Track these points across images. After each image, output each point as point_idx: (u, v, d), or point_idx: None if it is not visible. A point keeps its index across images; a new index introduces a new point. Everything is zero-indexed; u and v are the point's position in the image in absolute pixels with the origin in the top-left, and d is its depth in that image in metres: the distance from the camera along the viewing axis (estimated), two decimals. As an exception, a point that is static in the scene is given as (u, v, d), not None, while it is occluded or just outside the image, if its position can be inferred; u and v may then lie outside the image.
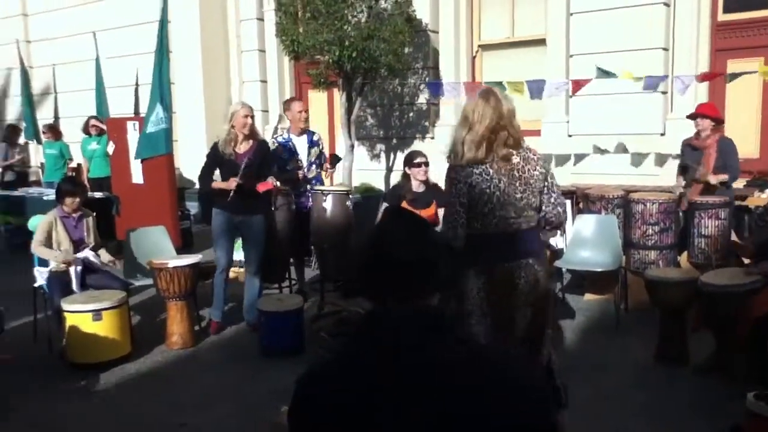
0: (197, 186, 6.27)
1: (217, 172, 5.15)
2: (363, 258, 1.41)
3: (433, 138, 8.82)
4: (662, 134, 7.21)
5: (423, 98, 8.90)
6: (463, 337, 1.35)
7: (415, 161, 5.06)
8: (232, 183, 4.92)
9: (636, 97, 7.00)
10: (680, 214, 5.73)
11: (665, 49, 7.13)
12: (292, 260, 6.12)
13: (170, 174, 7.78)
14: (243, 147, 5.09)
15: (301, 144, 5.98)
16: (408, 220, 1.45)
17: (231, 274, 6.23)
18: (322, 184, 6.12)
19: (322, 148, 6.17)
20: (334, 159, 6.19)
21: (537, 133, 7.85)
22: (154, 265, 4.93)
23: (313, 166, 6.00)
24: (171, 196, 7.69)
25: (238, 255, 5.55)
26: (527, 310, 2.82)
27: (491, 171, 2.77)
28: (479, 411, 1.22)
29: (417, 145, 8.84)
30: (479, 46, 8.71)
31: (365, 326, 1.37)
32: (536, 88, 6.95)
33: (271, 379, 4.25)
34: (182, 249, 6.53)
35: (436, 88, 8.04)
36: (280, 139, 6.07)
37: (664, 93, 7.19)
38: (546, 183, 2.86)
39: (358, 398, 1.26)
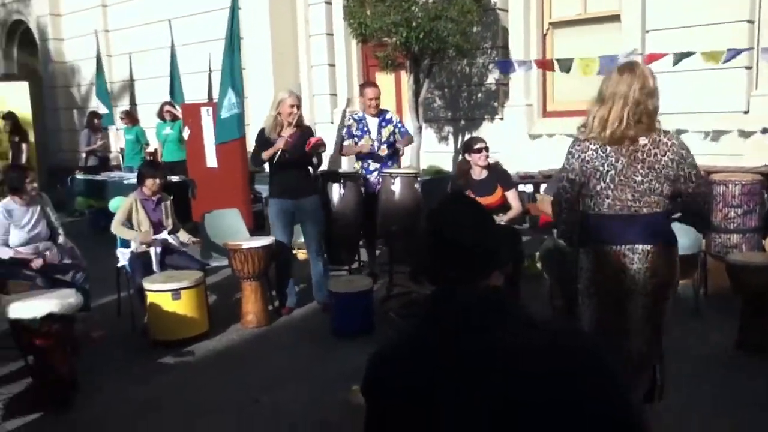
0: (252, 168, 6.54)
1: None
2: (423, 241, 1.43)
3: (502, 119, 8.69)
4: (746, 112, 6.86)
5: (492, 78, 8.78)
6: (532, 322, 1.33)
7: (474, 147, 4.97)
8: (280, 142, 5.01)
9: (717, 74, 6.68)
10: (765, 195, 5.46)
11: (750, 22, 6.76)
12: (361, 242, 6.20)
13: (243, 158, 7.97)
14: (288, 131, 5.13)
15: (373, 123, 6.01)
16: (464, 203, 1.47)
17: (300, 256, 6.38)
18: (397, 163, 6.10)
19: (398, 124, 6.12)
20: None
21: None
22: (229, 246, 5.08)
23: (384, 145, 5.97)
24: (243, 179, 7.89)
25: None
26: (640, 299, 2.67)
27: (608, 149, 2.63)
28: (545, 398, 1.20)
29: (486, 127, 8.74)
30: (550, 23, 8.49)
31: (430, 308, 1.38)
32: (609, 65, 6.71)
33: (342, 358, 4.33)
34: (254, 231, 6.69)
35: (505, 66, 7.91)
36: (355, 116, 6.13)
37: (749, 68, 6.83)
38: (682, 172, 2.65)
39: (423, 379, 1.28)
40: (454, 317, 1.31)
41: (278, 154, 5.02)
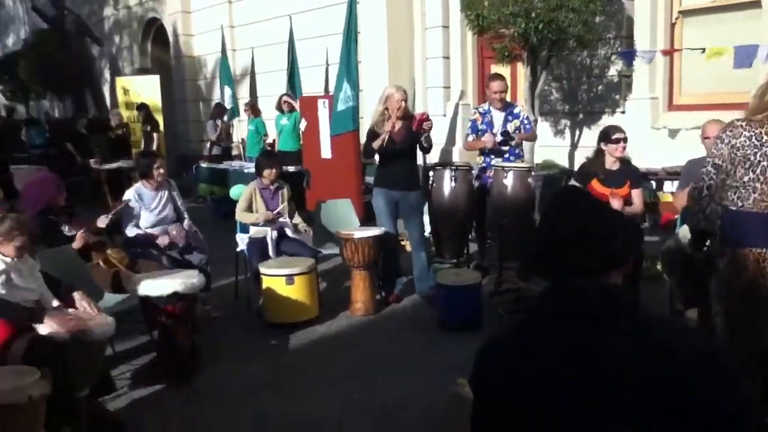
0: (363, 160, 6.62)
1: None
2: (538, 235, 1.39)
3: (624, 113, 8.30)
4: None
5: (614, 70, 8.40)
6: (648, 321, 1.25)
7: (613, 137, 4.76)
8: (388, 125, 5.04)
9: None
10: None
11: None
12: (470, 236, 6.13)
13: (356, 149, 8.11)
14: (396, 127, 5.18)
15: (499, 117, 5.85)
16: (583, 197, 1.42)
17: (410, 248, 6.40)
18: (520, 158, 5.94)
19: (524, 120, 5.91)
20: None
21: (744, 106, 7.07)
22: (341, 235, 5.18)
23: (504, 138, 5.79)
24: (356, 170, 8.03)
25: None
26: None
27: (765, 137, 2.42)
28: (660, 403, 1.13)
29: (606, 120, 8.38)
30: (680, 12, 7.99)
31: (542, 303, 1.35)
32: (744, 55, 6.24)
33: (448, 351, 4.31)
34: (365, 221, 6.79)
35: (629, 57, 7.54)
36: (481, 109, 6.03)
37: None
38: None
39: (531, 373, 1.25)
40: (567, 314, 1.27)
41: (385, 139, 5.07)
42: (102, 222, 4.73)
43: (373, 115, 5.33)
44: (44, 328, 3.09)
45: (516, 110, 5.92)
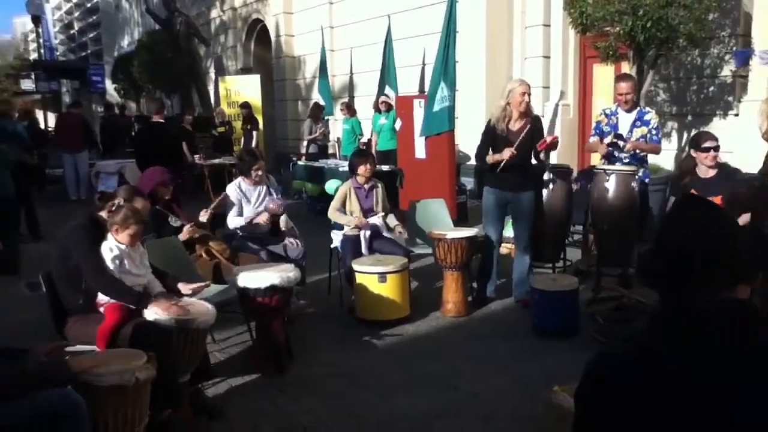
0: (474, 162, 6.41)
1: None
2: (656, 246, 1.31)
3: (737, 115, 7.80)
4: None
5: (727, 70, 7.91)
6: None
7: (703, 145, 4.48)
8: (506, 153, 4.91)
9: None
10: None
11: None
12: (568, 240, 5.95)
13: (450, 150, 8.06)
14: (517, 124, 5.06)
15: (626, 120, 5.53)
16: (705, 207, 1.33)
17: (503, 250, 6.30)
18: (639, 160, 5.56)
19: (654, 129, 5.48)
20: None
21: None
22: (434, 235, 5.16)
23: (628, 144, 5.43)
24: (450, 171, 7.98)
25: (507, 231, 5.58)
26: None
27: None
28: None
29: (717, 123, 7.93)
30: (804, 7, 7.44)
31: (663, 317, 1.28)
32: None
33: (542, 357, 4.21)
34: (457, 222, 6.74)
35: (745, 57, 7.08)
36: (607, 110, 5.74)
37: None
38: None
39: (653, 388, 1.19)
40: (694, 329, 1.20)
41: (501, 165, 4.95)
42: (203, 216, 4.92)
43: (494, 111, 5.19)
44: (150, 314, 3.25)
45: (647, 117, 5.50)
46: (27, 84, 33.00)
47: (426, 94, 8.49)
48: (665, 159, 8.32)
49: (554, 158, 8.94)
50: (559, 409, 2.75)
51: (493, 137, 5.12)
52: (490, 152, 5.12)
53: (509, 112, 5.03)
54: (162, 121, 8.89)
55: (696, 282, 1.23)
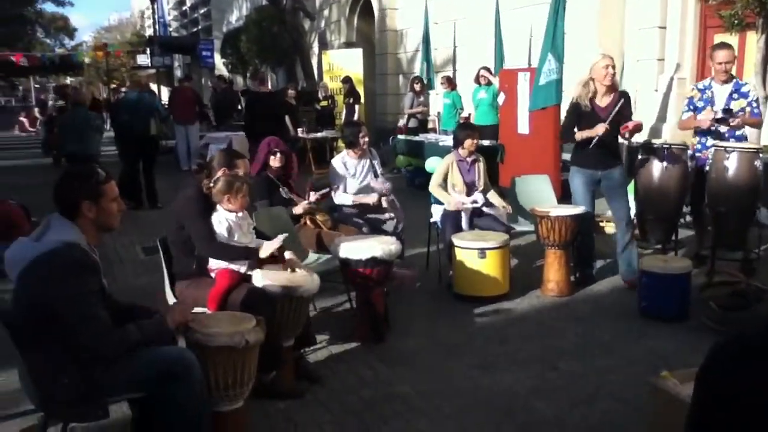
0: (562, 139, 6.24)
1: None
2: None
3: None
4: None
5: None
6: None
7: None
8: (600, 128, 4.75)
9: None
10: None
11: None
12: (681, 221, 5.66)
13: (556, 125, 7.78)
14: (604, 100, 4.91)
15: (721, 93, 5.24)
16: None
17: (610, 230, 6.09)
18: (741, 140, 5.24)
19: (753, 102, 5.19)
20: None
21: None
22: (537, 212, 5.04)
23: (724, 116, 5.14)
24: (555, 146, 7.74)
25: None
26: None
27: None
28: None
29: None
30: None
31: None
32: None
33: (649, 341, 4.07)
34: (561, 200, 6.54)
35: None
36: (699, 85, 5.48)
37: None
38: None
39: None
40: None
41: (593, 142, 4.81)
42: (312, 197, 5.01)
43: (577, 88, 5.06)
44: (259, 281, 3.37)
45: (745, 88, 5.24)
46: (142, 59, 34.89)
47: (533, 67, 8.24)
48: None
49: (665, 134, 8.50)
50: (665, 396, 2.63)
51: (578, 115, 4.98)
52: (576, 131, 4.99)
53: (593, 88, 4.90)
54: (270, 90, 9.18)
55: None
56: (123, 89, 14.49)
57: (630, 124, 4.78)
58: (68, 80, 41.39)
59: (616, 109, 4.80)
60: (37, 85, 54.70)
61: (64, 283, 2.36)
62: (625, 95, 5.02)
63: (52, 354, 2.41)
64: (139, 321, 2.57)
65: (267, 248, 3.51)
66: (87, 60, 33.92)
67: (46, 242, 2.43)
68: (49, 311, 2.36)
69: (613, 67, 4.90)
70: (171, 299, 3.63)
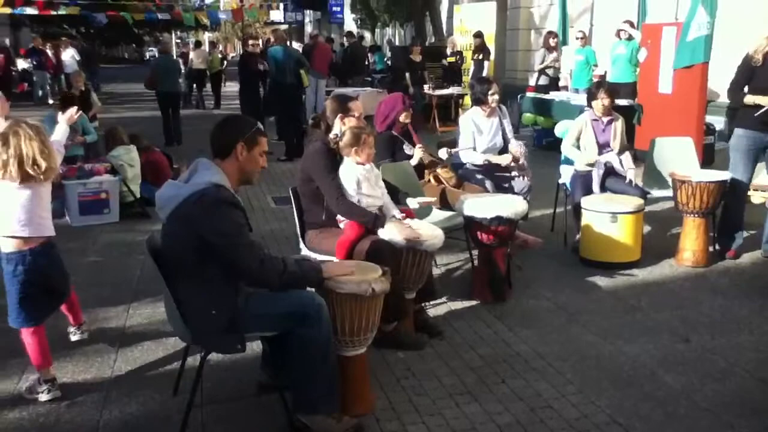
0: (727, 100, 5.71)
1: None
2: None
3: None
4: None
5: None
6: None
7: None
8: None
9: None
10: None
11: None
12: None
13: (702, 84, 7.28)
14: None
15: None
16: None
17: (757, 199, 5.66)
18: None
19: None
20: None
21: None
22: (677, 177, 4.75)
23: None
24: (699, 108, 7.23)
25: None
26: None
27: None
28: None
29: None
30: None
31: None
32: None
33: (792, 321, 3.78)
34: (703, 165, 6.12)
35: None
36: None
37: None
38: None
39: None
40: None
41: (763, 110, 4.41)
42: (443, 154, 4.98)
43: (757, 41, 4.62)
44: (385, 233, 3.44)
45: None
46: (275, 15, 35.82)
47: (680, 22, 7.66)
48: None
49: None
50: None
51: (751, 71, 4.54)
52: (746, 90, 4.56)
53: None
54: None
55: None
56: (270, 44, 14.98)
57: None
58: (206, 35, 43.23)
59: None
60: (178, 41, 57.69)
61: (218, 218, 2.53)
62: None
63: (203, 288, 2.60)
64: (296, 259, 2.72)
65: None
66: (223, 17, 35.23)
67: (195, 183, 2.60)
68: (204, 246, 2.53)
69: None
70: (302, 246, 3.80)
